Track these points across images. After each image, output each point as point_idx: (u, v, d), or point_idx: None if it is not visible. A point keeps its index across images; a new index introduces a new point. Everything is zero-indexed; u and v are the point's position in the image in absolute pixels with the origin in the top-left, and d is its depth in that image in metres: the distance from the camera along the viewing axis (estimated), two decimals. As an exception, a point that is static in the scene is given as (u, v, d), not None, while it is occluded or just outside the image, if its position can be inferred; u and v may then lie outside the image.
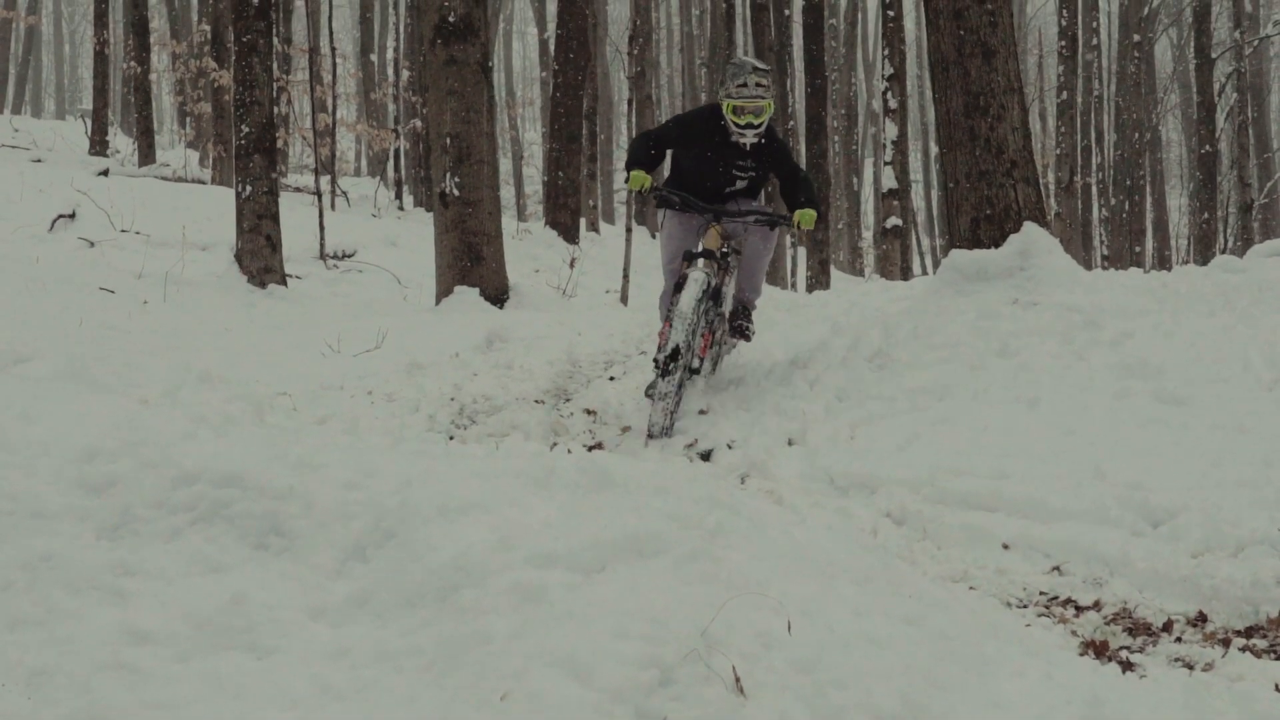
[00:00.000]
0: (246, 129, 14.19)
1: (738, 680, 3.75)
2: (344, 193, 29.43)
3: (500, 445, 5.68)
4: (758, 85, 8.80)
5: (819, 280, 25.06)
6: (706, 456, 8.13)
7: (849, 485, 7.19)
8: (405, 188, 32.55)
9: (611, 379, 10.55)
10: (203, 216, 18.19)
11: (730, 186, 9.17)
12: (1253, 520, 5.95)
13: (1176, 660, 4.99)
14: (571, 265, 18.01)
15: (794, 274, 33.37)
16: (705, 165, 9.09)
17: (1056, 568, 6.03)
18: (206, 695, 3.65)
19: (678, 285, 8.78)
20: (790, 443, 8.08)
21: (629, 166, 8.97)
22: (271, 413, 7.93)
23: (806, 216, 8.88)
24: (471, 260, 13.93)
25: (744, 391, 9.21)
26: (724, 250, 8.97)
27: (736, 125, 8.85)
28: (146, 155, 30.93)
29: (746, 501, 5.01)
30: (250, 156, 14.18)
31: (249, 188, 14.15)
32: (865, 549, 4.98)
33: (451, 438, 8.32)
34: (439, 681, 3.66)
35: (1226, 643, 5.10)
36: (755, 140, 8.94)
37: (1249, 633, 5.24)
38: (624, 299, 17.82)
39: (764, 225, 9.10)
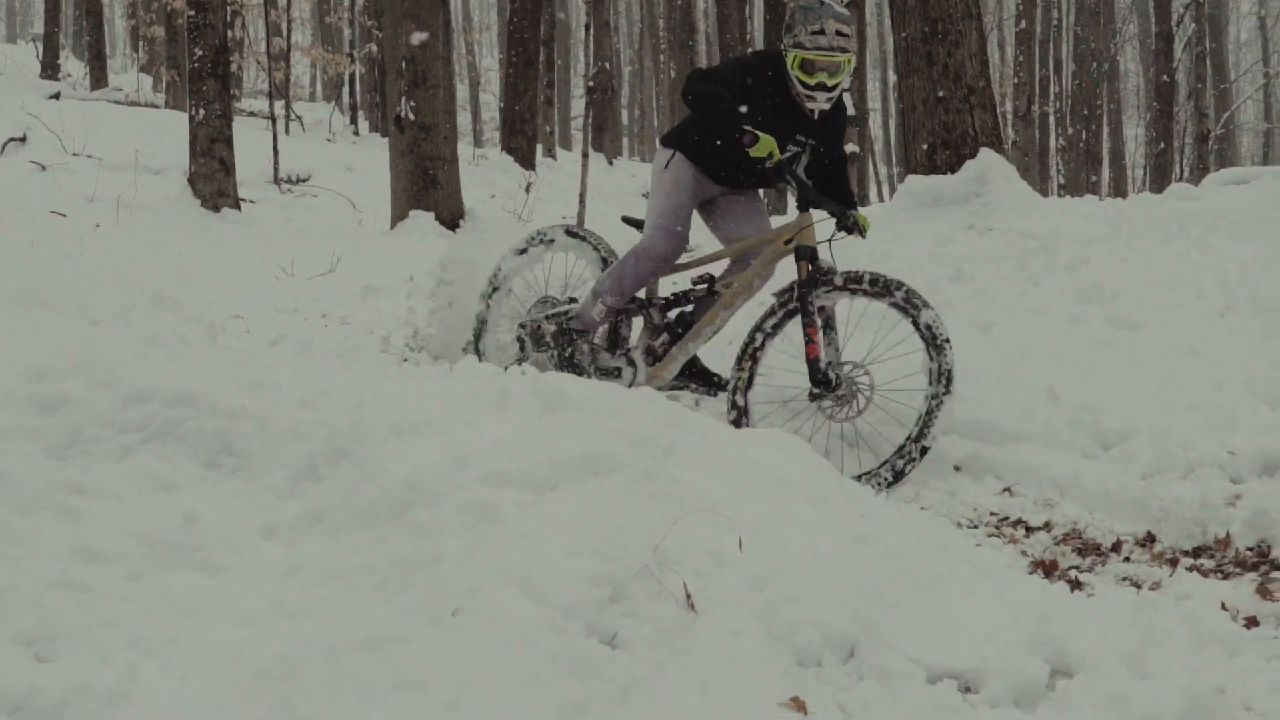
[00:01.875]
0: (200, 52, 14.03)
1: (689, 597, 3.77)
2: (299, 118, 29.19)
3: (455, 367, 5.65)
4: (838, 35, 6.73)
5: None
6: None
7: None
8: (360, 113, 32.36)
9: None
10: (156, 140, 18.01)
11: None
12: (1203, 443, 6.00)
13: (1125, 579, 5.04)
14: (527, 190, 17.93)
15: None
16: (760, 129, 6.78)
17: (1008, 489, 6.08)
18: (158, 613, 3.63)
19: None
20: (745, 366, 8.09)
21: (741, 122, 6.72)
22: (224, 334, 7.90)
23: (866, 222, 7.13)
24: (426, 185, 13.87)
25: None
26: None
27: (804, 85, 6.80)
28: (99, 79, 30.60)
29: (701, 422, 5.01)
30: (204, 80, 14.03)
31: (202, 112, 14.01)
32: (819, 469, 4.99)
33: (406, 360, 8.31)
34: (391, 599, 3.66)
35: (1174, 562, 5.15)
36: (825, 107, 6.93)
37: (1196, 553, 5.30)
38: (580, 224, 17.76)
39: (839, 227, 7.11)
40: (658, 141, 7.52)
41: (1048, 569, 5.12)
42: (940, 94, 10.48)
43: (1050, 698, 3.95)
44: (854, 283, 6.71)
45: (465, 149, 24.46)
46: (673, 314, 7.41)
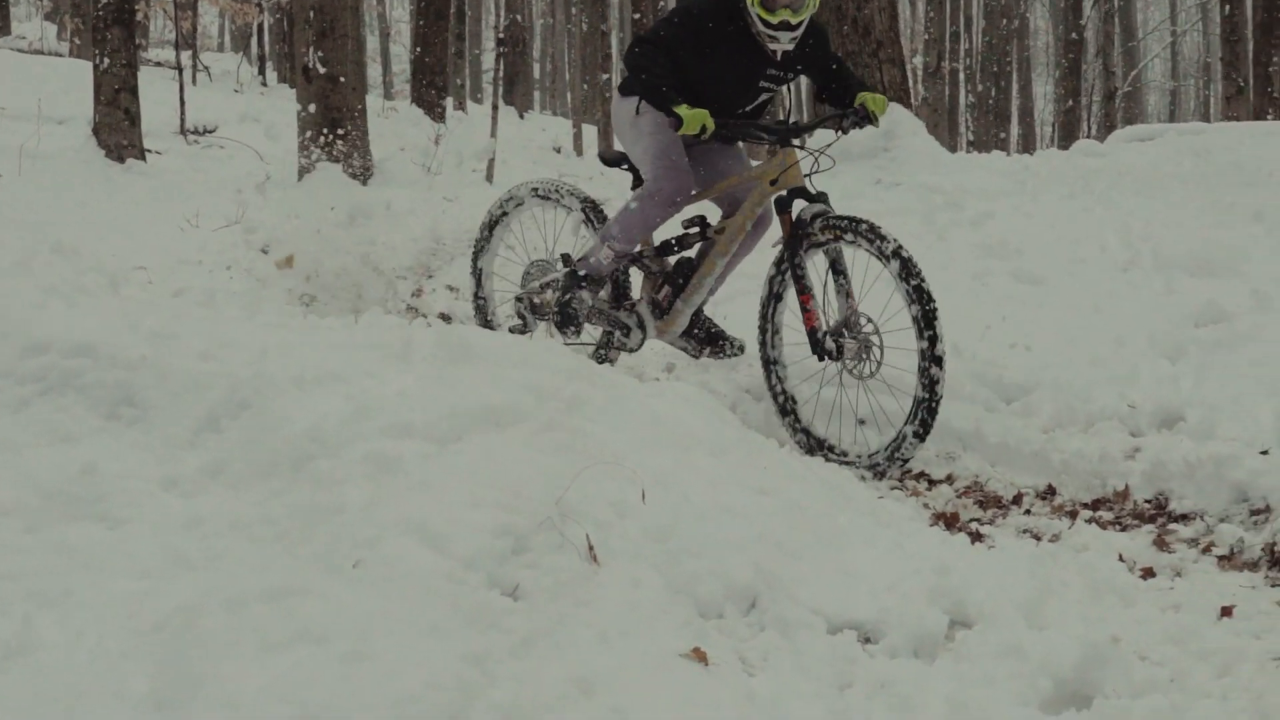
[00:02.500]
0: (104, 0, 13.83)
1: (591, 548, 3.77)
2: (206, 68, 28.87)
3: (359, 319, 5.62)
4: None
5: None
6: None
7: (711, 361, 7.23)
8: (269, 63, 32.03)
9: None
10: (59, 90, 17.76)
11: (751, 104, 6.62)
12: (1103, 397, 6.06)
13: (1025, 532, 5.10)
14: (436, 143, 17.82)
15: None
16: (720, 79, 6.40)
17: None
18: (56, 566, 3.60)
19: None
20: (653, 320, 8.10)
21: (673, 100, 6.20)
22: (127, 285, 7.80)
23: (879, 101, 6.48)
24: (334, 137, 13.75)
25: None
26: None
27: (766, 25, 6.22)
28: (1, 27, 30.12)
29: (605, 374, 5.02)
30: (108, 29, 13.82)
31: (107, 61, 13.80)
32: (723, 421, 5.01)
33: (311, 312, 8.26)
34: (292, 550, 3.64)
35: (1074, 515, 5.21)
36: (789, 47, 6.36)
37: (1095, 505, 5.36)
38: (489, 177, 17.69)
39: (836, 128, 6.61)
40: (616, 91, 6.90)
41: (949, 521, 5.17)
42: (849, 48, 10.51)
43: (949, 648, 3.99)
44: (845, 230, 6.11)
45: (375, 101, 24.26)
46: (671, 261, 6.90)
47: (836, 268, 6.21)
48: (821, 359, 6.25)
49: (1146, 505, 5.37)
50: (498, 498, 3.78)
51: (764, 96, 6.59)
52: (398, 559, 3.47)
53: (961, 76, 42.45)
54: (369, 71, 39.14)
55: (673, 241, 6.79)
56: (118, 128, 13.78)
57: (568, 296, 6.92)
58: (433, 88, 24.69)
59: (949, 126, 37.49)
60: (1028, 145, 46.51)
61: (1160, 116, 58.07)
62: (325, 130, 13.68)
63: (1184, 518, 5.24)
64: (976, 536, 4.95)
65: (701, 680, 3.45)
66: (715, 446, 4.66)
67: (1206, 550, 4.90)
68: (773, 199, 6.42)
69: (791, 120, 6.57)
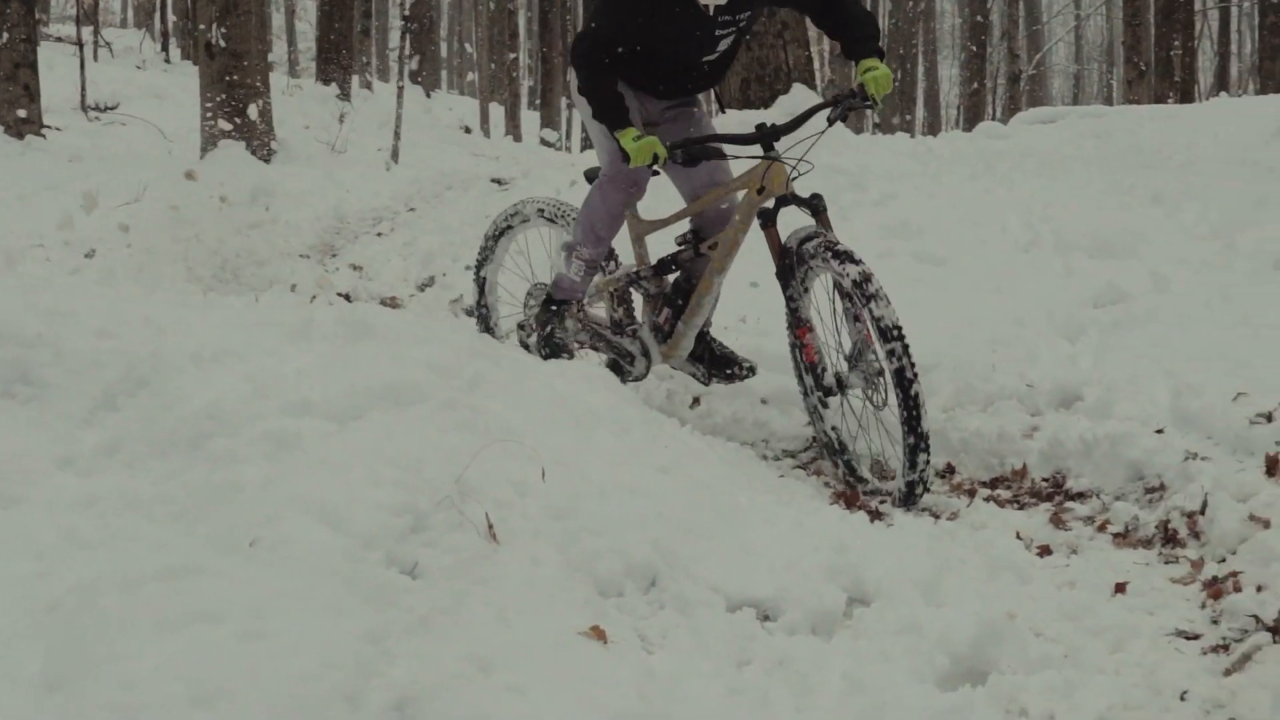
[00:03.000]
0: (3, -27, 13.66)
1: (491, 527, 3.77)
2: (108, 44, 28.46)
3: (260, 297, 5.58)
4: None
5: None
6: (472, 312, 8.11)
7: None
8: (172, 40, 31.64)
9: (379, 235, 10.47)
10: (-44, 64, 17.51)
11: (712, 54, 5.93)
12: (1003, 376, 6.11)
13: (924, 510, 5.12)
14: (341, 121, 17.73)
15: (569, 135, 33.31)
16: (669, 40, 5.78)
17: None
18: (-53, 545, 3.55)
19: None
20: (558, 300, 8.11)
21: (619, 125, 5.67)
22: (24, 262, 7.72)
23: (881, 80, 5.62)
24: (238, 114, 13.65)
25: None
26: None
27: None
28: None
29: (508, 353, 5.02)
30: (8, 3, 13.66)
31: (5, 36, 13.63)
32: (625, 400, 5.02)
33: (211, 290, 8.20)
34: (189, 529, 3.61)
35: (972, 493, 5.26)
36: (722, 1, 5.60)
37: (994, 484, 5.41)
38: (395, 157, 17.62)
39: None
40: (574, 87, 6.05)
41: (848, 500, 5.20)
42: (754, 29, 10.51)
43: (847, 625, 4.03)
44: (836, 255, 5.49)
45: (280, 79, 24.10)
46: (669, 281, 6.25)
47: (842, 289, 5.56)
48: (826, 398, 5.71)
49: (1044, 484, 5.42)
50: (397, 476, 3.76)
51: (725, 44, 5.85)
52: (295, 538, 3.45)
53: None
54: (274, 49, 38.81)
55: (669, 260, 6.19)
56: (17, 103, 13.64)
57: (548, 328, 6.42)
58: (338, 66, 24.58)
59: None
60: (933, 128, 46.85)
61: (1064, 100, 58.64)
62: (228, 107, 13.59)
63: (1080, 496, 5.30)
64: (876, 515, 4.98)
65: (600, 658, 3.45)
66: (617, 425, 4.67)
67: (1102, 528, 4.96)
68: (761, 211, 5.79)
69: (770, 123, 5.83)
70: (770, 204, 5.77)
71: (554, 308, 6.42)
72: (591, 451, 4.39)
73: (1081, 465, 5.46)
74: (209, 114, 13.71)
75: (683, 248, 6.13)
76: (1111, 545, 4.78)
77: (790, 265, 5.67)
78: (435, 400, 4.25)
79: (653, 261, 6.31)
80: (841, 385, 5.69)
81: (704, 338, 6.23)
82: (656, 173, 5.89)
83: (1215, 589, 4.24)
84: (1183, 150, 12.21)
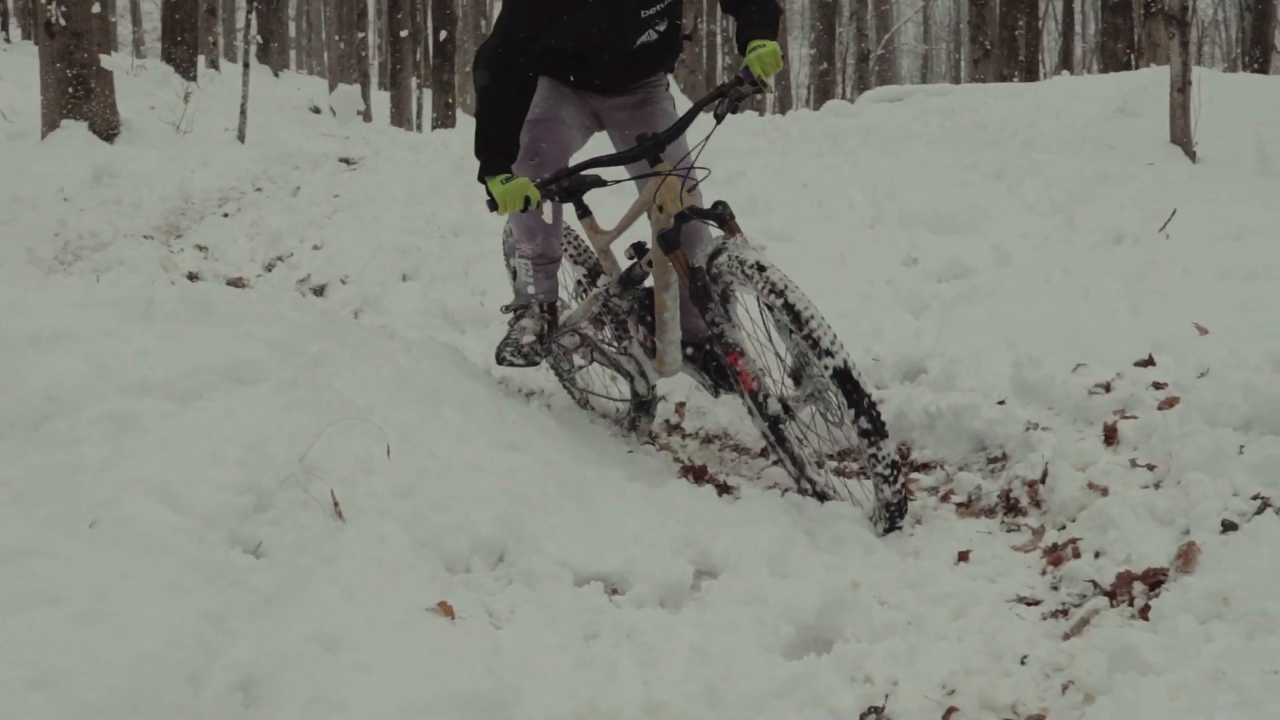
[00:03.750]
0: None
1: (336, 505, 3.75)
2: (-55, 23, 27.92)
3: (101, 278, 5.49)
4: None
5: (444, 121, 24.90)
6: (320, 291, 8.06)
7: (463, 320, 7.22)
8: (12, 19, 31.04)
9: (226, 215, 10.34)
10: None
11: (638, 38, 5.36)
12: (850, 350, 6.15)
13: (773, 486, 5.16)
14: (186, 101, 17.48)
15: (420, 115, 33.13)
16: (586, 36, 5.28)
17: (663, 397, 6.15)
18: None
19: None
20: (405, 278, 8.07)
21: (493, 164, 5.15)
22: None
23: (766, 59, 5.05)
24: (80, 93, 13.43)
25: (361, 227, 9.12)
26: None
27: None
28: None
29: (352, 330, 4.98)
30: None
31: None
32: (472, 378, 5.01)
33: (52, 270, 8.07)
34: (29, 512, 3.54)
35: (820, 465, 5.29)
36: None
37: (840, 456, 5.45)
38: (241, 137, 17.42)
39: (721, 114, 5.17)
40: None
41: (697, 474, 5.23)
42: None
43: (695, 597, 4.06)
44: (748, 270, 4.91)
45: (124, 58, 23.74)
46: (633, 299, 5.62)
47: (771, 306, 4.89)
48: (776, 425, 5.05)
49: (890, 455, 5.48)
50: (240, 455, 3.72)
51: (657, 26, 5.32)
52: (136, 518, 3.40)
53: (719, 39, 42.81)
54: (119, 28, 38.20)
55: (625, 276, 5.55)
56: None
57: (511, 336, 5.76)
58: (184, 45, 24.24)
59: (705, 87, 37.77)
60: (784, 107, 47.11)
61: (913, 79, 59.36)
62: (70, 87, 13.36)
63: (925, 466, 5.37)
64: (724, 488, 5.01)
65: (448, 633, 3.45)
66: (463, 402, 4.66)
67: (945, 498, 5.03)
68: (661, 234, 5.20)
69: (651, 133, 5.24)
70: (671, 224, 5.15)
71: (515, 314, 5.88)
72: (438, 428, 4.38)
73: (925, 437, 5.53)
74: (50, 94, 13.46)
75: (632, 261, 5.49)
76: (955, 515, 4.84)
77: (704, 287, 5.08)
78: (278, 378, 4.21)
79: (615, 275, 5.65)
80: (788, 409, 5.01)
81: (701, 349, 5.56)
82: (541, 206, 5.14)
83: (1055, 556, 4.32)
84: (1026, 128, 12.42)
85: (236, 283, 8.36)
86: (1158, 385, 5.11)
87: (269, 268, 9.05)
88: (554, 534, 4.09)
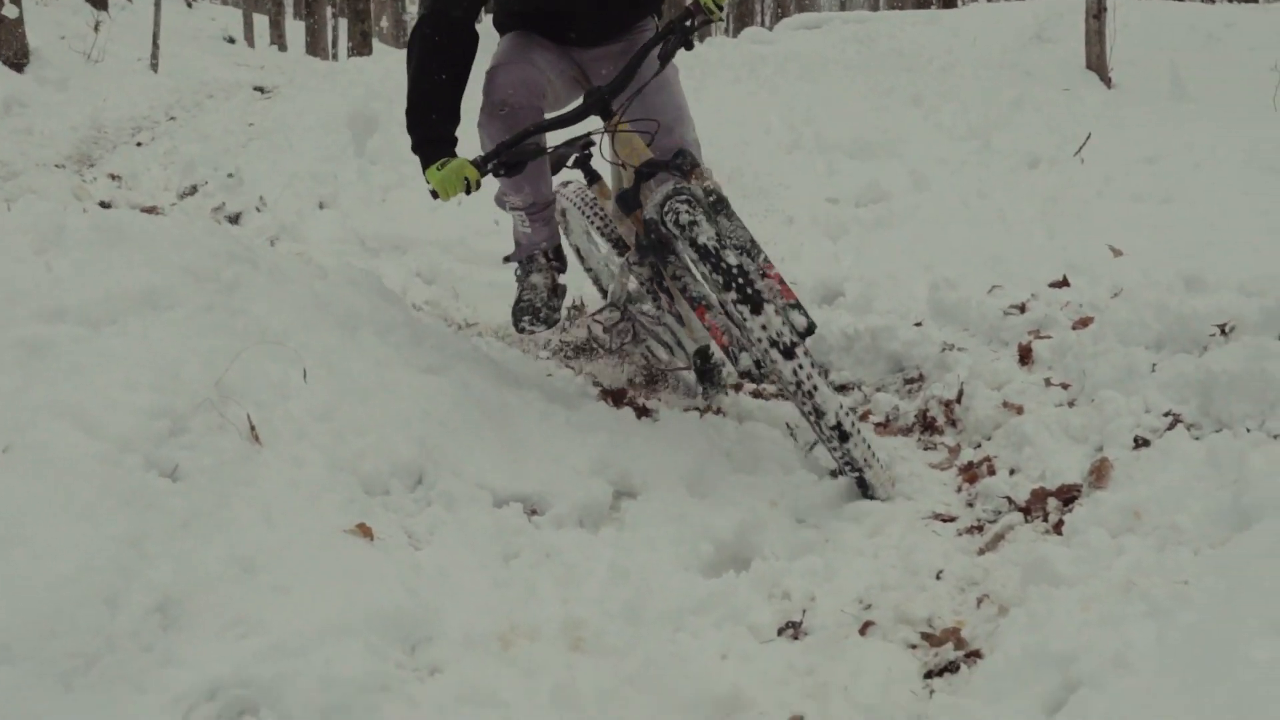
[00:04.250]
0: None
1: (253, 429, 3.72)
2: None
3: (12, 205, 5.41)
4: None
5: (360, 50, 24.67)
6: (236, 219, 7.99)
7: (380, 246, 7.19)
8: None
9: (139, 144, 10.24)
10: None
11: None
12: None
13: (690, 408, 5.17)
14: (96, 30, 17.23)
15: (335, 44, 32.85)
16: None
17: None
18: None
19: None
20: (322, 206, 8.02)
21: (432, 154, 4.75)
22: None
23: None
24: (-13, 22, 13.22)
25: (276, 155, 9.04)
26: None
27: None
28: None
29: (267, 256, 4.93)
30: None
31: None
32: (390, 303, 4.97)
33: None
34: (-61, 439, 3.51)
35: (738, 388, 5.32)
36: None
37: (760, 378, 5.47)
38: (154, 66, 17.20)
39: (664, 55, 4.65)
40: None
41: (616, 397, 5.23)
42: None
43: (614, 518, 4.09)
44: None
45: (32, -13, 23.34)
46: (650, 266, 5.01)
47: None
48: (760, 381, 4.77)
49: (808, 377, 5.50)
50: (154, 380, 3.68)
51: None
52: (49, 443, 3.37)
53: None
54: (26, -43, 37.58)
55: (638, 242, 4.96)
56: None
57: (520, 292, 5.49)
58: (95, -27, 23.83)
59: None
60: (703, 35, 46.94)
61: (831, 6, 59.19)
62: (-24, 16, 13.15)
63: (844, 388, 5.40)
64: (643, 411, 5.01)
65: (367, 555, 3.45)
66: (381, 327, 4.63)
67: (864, 418, 5.06)
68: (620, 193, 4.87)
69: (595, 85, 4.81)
70: (631, 182, 4.76)
71: (518, 268, 5.58)
72: (355, 353, 4.36)
73: (844, 359, 5.56)
74: (-44, 23, 13.25)
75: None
76: (873, 434, 4.87)
77: (660, 239, 4.62)
78: (193, 304, 4.17)
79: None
80: (760, 366, 4.50)
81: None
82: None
83: (971, 473, 4.36)
84: (943, 54, 12.45)
85: (151, 211, 8.22)
86: (1072, 305, 5.16)
87: (183, 196, 8.96)
88: (473, 456, 4.09)
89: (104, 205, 8.42)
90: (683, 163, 4.69)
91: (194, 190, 8.90)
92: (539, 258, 5.47)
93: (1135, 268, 5.36)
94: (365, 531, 3.54)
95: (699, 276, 4.62)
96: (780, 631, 3.50)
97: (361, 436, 3.92)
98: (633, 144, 4.75)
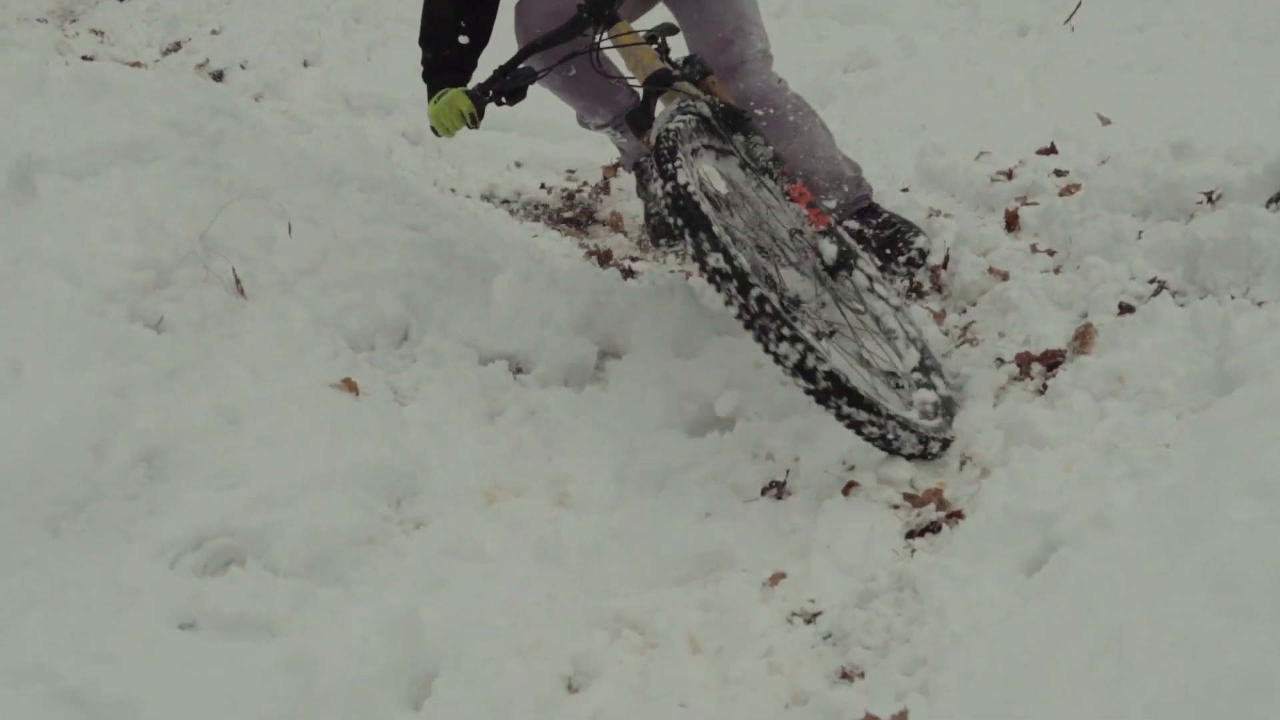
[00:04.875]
0: None
1: (238, 282, 3.72)
2: None
3: (-7, 57, 5.37)
4: None
5: None
6: (219, 76, 7.91)
7: (365, 106, 7.13)
8: None
9: (122, 1, 10.10)
10: None
11: None
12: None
13: (679, 269, 5.15)
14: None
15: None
16: None
17: (567, 188, 6.14)
18: None
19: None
20: (306, 64, 7.94)
21: (436, 85, 4.29)
22: None
23: None
24: None
25: (260, 12, 8.93)
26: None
27: None
28: None
29: (251, 111, 4.90)
30: None
31: None
32: (375, 160, 4.95)
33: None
34: (-78, 291, 3.49)
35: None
36: None
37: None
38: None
39: None
40: None
41: (603, 258, 5.21)
42: None
43: (599, 377, 4.09)
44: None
45: None
46: None
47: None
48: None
49: (793, 243, 5.49)
50: (139, 231, 3.67)
51: None
52: (34, 293, 3.36)
53: None
54: None
55: None
56: None
57: (650, 210, 5.09)
58: None
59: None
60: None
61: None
62: None
63: (830, 254, 5.38)
64: (629, 273, 5.00)
65: (352, 409, 3.47)
66: (366, 184, 4.60)
67: (849, 284, 5.05)
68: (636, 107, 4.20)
69: None
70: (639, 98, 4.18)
71: (636, 179, 5.18)
72: (340, 209, 4.34)
73: (830, 224, 5.54)
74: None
75: None
76: (857, 299, 4.87)
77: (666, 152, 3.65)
78: (177, 157, 4.13)
79: None
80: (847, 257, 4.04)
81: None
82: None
83: (957, 339, 4.36)
84: (934, -82, 12.30)
85: (133, 67, 8.19)
86: (1059, 173, 5.13)
87: (166, 53, 8.85)
88: (458, 314, 4.09)
89: (86, 60, 8.34)
90: (691, 72, 4.15)
91: (177, 47, 8.79)
92: (649, 168, 4.37)
93: (1123, 135, 5.32)
94: (351, 386, 3.55)
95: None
96: (764, 491, 3.51)
97: (346, 292, 3.92)
98: (637, 56, 4.13)
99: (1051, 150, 5.37)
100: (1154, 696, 2.08)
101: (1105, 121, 5.63)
